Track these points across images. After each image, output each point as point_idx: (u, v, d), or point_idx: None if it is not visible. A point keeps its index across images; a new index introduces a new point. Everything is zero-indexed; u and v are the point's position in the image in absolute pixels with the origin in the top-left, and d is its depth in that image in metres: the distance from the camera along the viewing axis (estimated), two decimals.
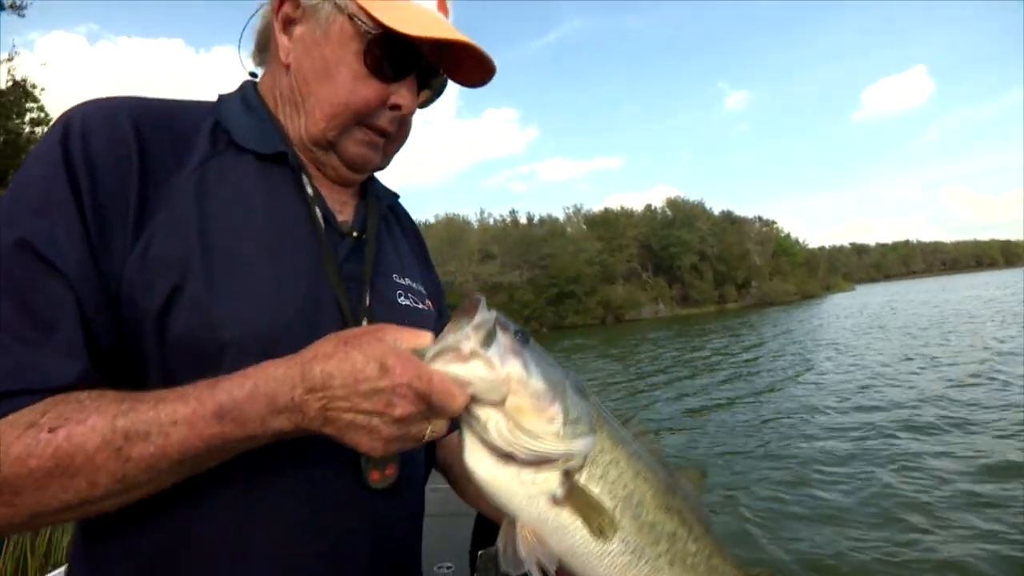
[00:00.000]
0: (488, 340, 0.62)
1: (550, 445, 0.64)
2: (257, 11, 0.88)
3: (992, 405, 8.57)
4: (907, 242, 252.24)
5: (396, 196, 1.06)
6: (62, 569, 2.06)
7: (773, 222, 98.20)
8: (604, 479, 0.68)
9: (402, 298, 0.93)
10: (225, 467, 0.65)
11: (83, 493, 0.57)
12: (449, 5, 0.84)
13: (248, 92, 0.87)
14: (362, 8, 0.77)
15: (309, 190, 0.82)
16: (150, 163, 0.70)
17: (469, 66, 0.87)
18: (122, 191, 0.68)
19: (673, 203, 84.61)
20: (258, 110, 0.85)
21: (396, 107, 0.83)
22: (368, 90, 0.80)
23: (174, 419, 0.57)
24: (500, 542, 0.68)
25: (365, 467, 0.78)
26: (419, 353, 0.62)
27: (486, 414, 0.63)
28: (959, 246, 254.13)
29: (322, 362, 0.59)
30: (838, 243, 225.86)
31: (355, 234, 0.87)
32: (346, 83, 0.79)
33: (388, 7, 0.77)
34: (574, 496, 0.66)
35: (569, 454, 0.65)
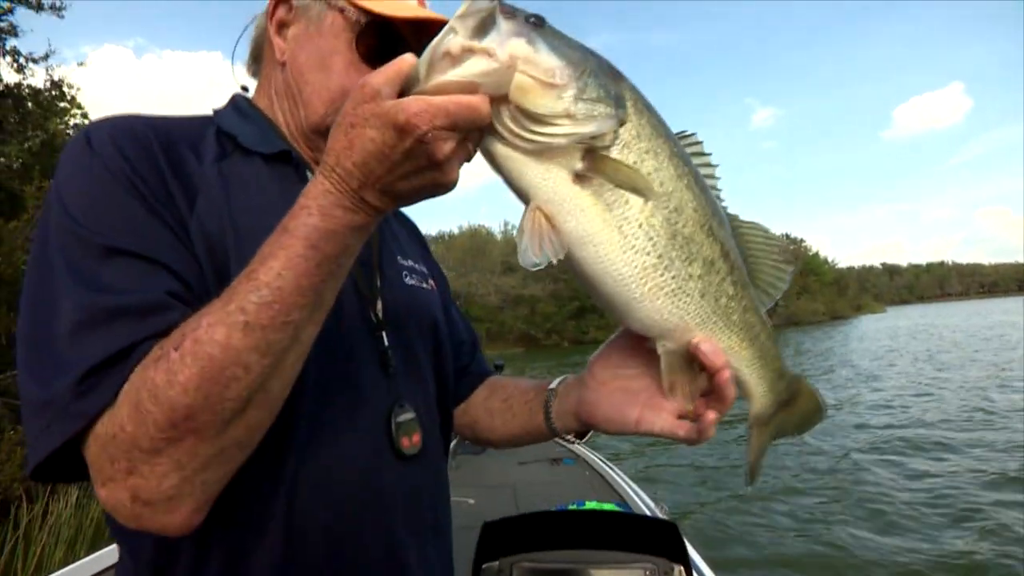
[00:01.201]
0: (482, 29, 0.55)
1: (560, 128, 0.56)
2: (250, 24, 0.95)
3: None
4: (942, 263, 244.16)
5: None
6: (112, 547, 1.97)
7: (801, 240, 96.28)
8: (639, 167, 0.60)
9: (407, 278, 0.99)
10: (262, 447, 0.66)
11: (246, 380, 0.58)
12: (427, 2, 0.93)
13: (240, 102, 0.92)
14: (351, 2, 0.84)
15: None
16: (174, 158, 0.75)
17: None
18: (162, 179, 0.72)
19: None
20: (254, 116, 0.90)
21: None
22: (362, 76, 0.89)
23: (277, 272, 0.58)
24: (518, 235, 0.60)
25: (396, 435, 0.82)
26: (413, 77, 0.56)
27: (498, 108, 0.56)
28: (999, 268, 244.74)
29: (346, 156, 0.58)
30: (868, 263, 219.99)
31: None
32: (341, 70, 0.85)
33: None
34: (601, 168, 0.58)
35: (582, 136, 0.57)
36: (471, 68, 0.54)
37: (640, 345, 0.78)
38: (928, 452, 7.98)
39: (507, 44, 0.55)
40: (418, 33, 0.87)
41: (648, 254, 0.62)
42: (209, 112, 0.90)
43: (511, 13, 0.57)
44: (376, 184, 0.59)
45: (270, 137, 0.88)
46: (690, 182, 0.64)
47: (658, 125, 0.64)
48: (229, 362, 0.57)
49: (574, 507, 2.66)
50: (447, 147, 0.57)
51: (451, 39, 0.55)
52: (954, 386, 13.10)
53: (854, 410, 11.35)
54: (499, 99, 0.56)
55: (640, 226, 0.61)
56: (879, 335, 34.96)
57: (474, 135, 0.60)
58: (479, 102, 0.55)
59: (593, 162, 0.59)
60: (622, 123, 0.60)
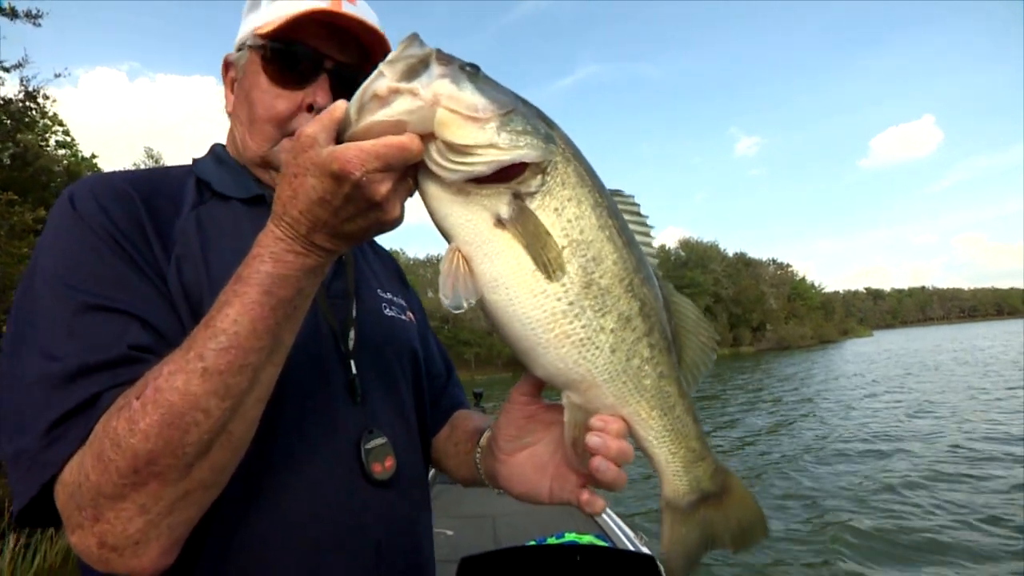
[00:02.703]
0: (412, 73, 0.57)
1: (482, 157, 0.57)
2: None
3: None
4: (923, 288, 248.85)
5: None
6: None
7: (788, 265, 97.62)
8: (559, 214, 0.61)
9: (387, 309, 1.02)
10: (234, 479, 0.67)
11: (207, 424, 0.59)
12: (350, 9, 0.87)
13: (218, 151, 0.98)
14: (259, 36, 0.87)
15: None
16: (153, 210, 0.78)
17: (380, 53, 0.89)
18: (142, 232, 0.75)
19: (686, 244, 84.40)
20: (229, 163, 0.95)
21: (310, 108, 0.88)
22: (279, 100, 0.88)
23: (232, 319, 0.60)
24: (439, 277, 0.61)
25: (367, 461, 0.82)
26: (346, 120, 0.58)
27: (427, 145, 0.58)
28: (978, 293, 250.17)
29: (292, 205, 0.60)
30: (852, 288, 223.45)
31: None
32: (260, 100, 0.88)
33: (274, 21, 0.85)
34: (519, 219, 0.59)
35: (503, 162, 0.57)
36: (397, 107, 0.56)
37: (536, 410, 0.78)
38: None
39: (432, 84, 0.57)
40: (340, 46, 0.89)
41: (559, 300, 0.60)
42: (191, 160, 0.97)
43: (447, 60, 0.59)
44: (323, 228, 0.61)
45: (244, 182, 0.92)
46: (613, 234, 0.63)
47: (585, 175, 0.63)
48: (189, 407, 0.58)
49: (554, 539, 2.67)
50: (384, 188, 0.59)
51: (379, 82, 0.56)
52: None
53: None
54: (428, 136, 0.57)
55: (556, 273, 0.60)
56: (887, 360, 34.61)
57: (412, 171, 0.61)
58: (408, 141, 0.56)
59: (517, 212, 0.59)
60: (551, 163, 0.60)
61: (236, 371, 0.60)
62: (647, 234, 0.68)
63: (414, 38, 0.59)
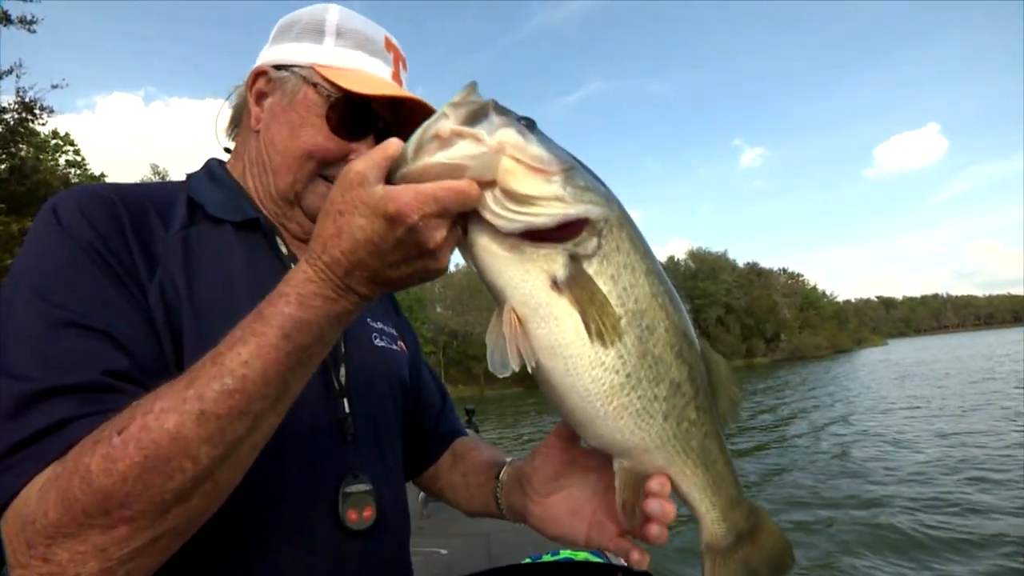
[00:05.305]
0: (473, 118, 0.56)
1: (548, 208, 0.55)
2: (232, 93, 0.97)
3: None
4: (936, 296, 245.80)
5: None
6: None
7: (799, 274, 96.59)
8: (615, 281, 0.60)
9: (377, 340, 0.99)
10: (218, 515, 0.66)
11: (192, 472, 0.54)
12: (403, 77, 0.95)
13: (213, 168, 0.93)
14: (325, 78, 0.86)
15: (284, 249, 0.87)
16: (139, 224, 0.75)
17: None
18: (127, 247, 0.71)
19: (696, 255, 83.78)
20: (224, 182, 0.90)
21: None
22: (330, 143, 0.85)
23: (244, 360, 0.55)
24: (489, 336, 0.59)
25: (343, 508, 0.79)
26: (401, 159, 0.56)
27: (487, 193, 0.55)
28: (993, 300, 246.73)
29: (334, 244, 0.57)
30: (863, 296, 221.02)
31: None
32: (309, 138, 0.85)
33: (348, 75, 0.86)
34: (578, 284, 0.58)
35: (569, 216, 0.56)
36: (459, 151, 0.54)
37: (575, 455, 0.79)
38: None
39: (497, 132, 0.55)
40: (392, 110, 0.89)
41: (617, 372, 0.60)
42: (184, 177, 0.92)
43: (504, 111, 0.58)
44: (364, 272, 0.57)
45: (239, 204, 0.88)
46: (664, 301, 0.63)
47: (636, 240, 0.63)
48: (176, 452, 0.53)
49: (549, 557, 2.53)
50: (439, 235, 0.55)
51: (442, 123, 0.55)
52: None
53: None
54: (485, 184, 0.55)
55: (613, 342, 0.59)
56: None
57: (461, 220, 0.59)
58: (467, 186, 0.54)
59: (574, 275, 0.58)
60: (606, 226, 0.59)
61: (236, 417, 0.55)
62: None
63: (473, 87, 0.57)
